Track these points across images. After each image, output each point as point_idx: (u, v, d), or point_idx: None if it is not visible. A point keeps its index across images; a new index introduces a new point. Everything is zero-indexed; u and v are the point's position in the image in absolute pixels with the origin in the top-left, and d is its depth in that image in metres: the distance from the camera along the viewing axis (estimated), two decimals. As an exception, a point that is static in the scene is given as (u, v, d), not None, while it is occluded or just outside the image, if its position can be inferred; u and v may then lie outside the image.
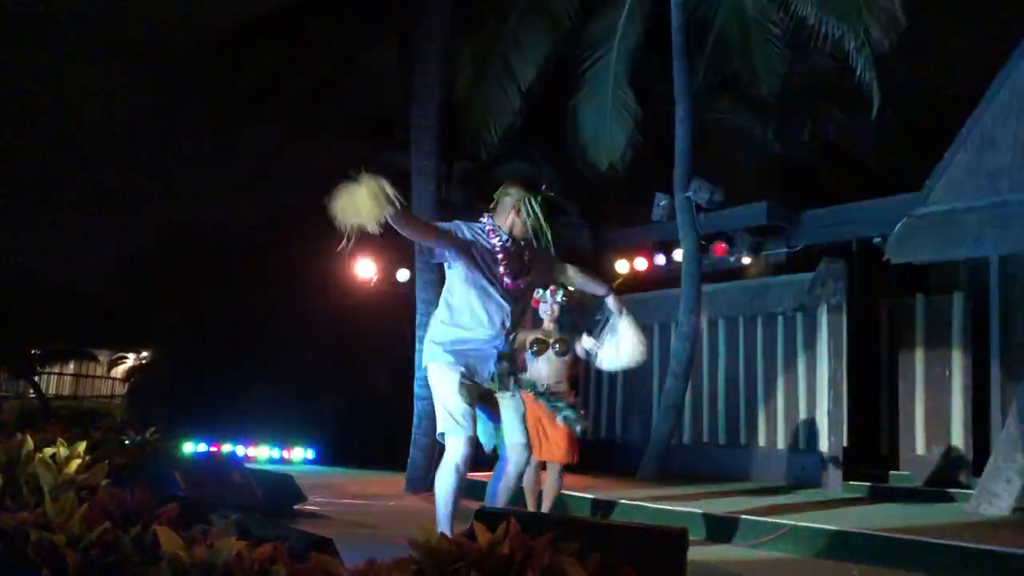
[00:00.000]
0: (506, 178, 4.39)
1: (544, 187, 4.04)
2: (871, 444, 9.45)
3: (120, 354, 21.09)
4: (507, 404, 4.06)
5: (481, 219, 4.05)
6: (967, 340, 8.79)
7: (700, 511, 5.99)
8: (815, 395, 8.93)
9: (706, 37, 10.25)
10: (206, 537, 2.26)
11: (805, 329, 9.24)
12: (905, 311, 9.43)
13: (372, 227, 3.53)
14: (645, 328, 10.80)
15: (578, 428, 5.34)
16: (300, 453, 11.60)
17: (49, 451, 3.35)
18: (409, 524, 2.27)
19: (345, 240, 3.51)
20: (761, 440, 9.57)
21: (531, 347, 5.15)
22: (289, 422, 12.09)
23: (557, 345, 5.45)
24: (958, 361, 8.77)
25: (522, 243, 4.01)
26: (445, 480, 3.77)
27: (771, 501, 6.91)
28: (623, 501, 6.43)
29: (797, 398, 9.24)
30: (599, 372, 11.19)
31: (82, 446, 3.47)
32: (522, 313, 4.13)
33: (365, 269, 11.49)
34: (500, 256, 3.92)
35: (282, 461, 11.22)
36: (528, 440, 4.07)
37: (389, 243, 11.46)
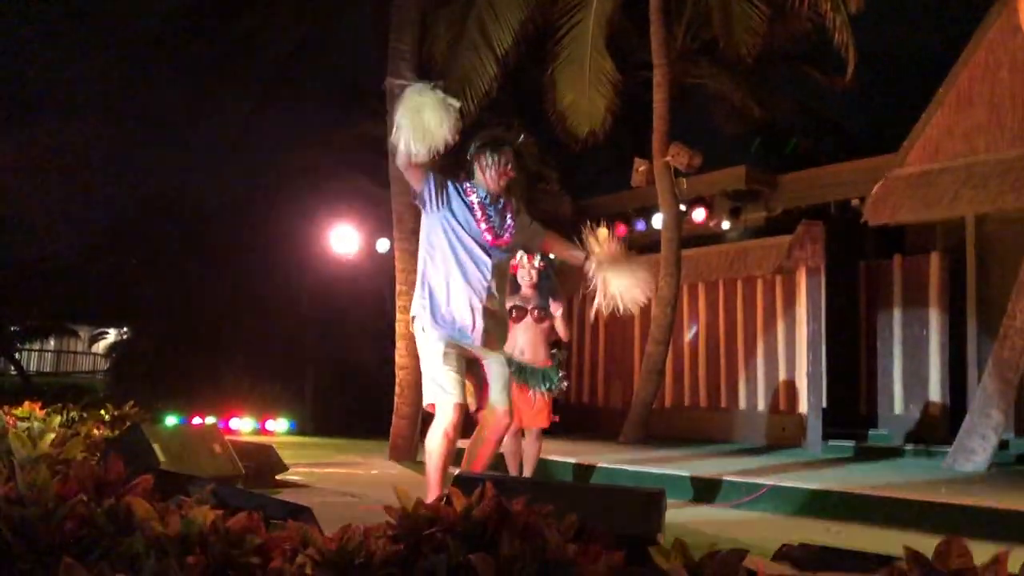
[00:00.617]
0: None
1: (514, 135, 4.05)
2: (850, 404, 9.56)
3: (101, 330, 20.97)
4: (491, 368, 4.07)
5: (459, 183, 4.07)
6: (944, 299, 8.88)
7: (681, 473, 6.04)
8: (794, 357, 9.01)
9: (684, 1, 10.18)
10: (182, 508, 2.25)
11: (784, 292, 9.30)
12: (883, 272, 9.50)
13: (443, 144, 3.63)
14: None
15: (553, 390, 5.37)
16: (282, 424, 11.59)
17: (24, 425, 3.32)
18: (390, 492, 2.27)
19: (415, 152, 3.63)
20: (742, 402, 9.66)
21: (510, 314, 5.14)
22: (271, 394, 12.08)
23: (536, 312, 5.45)
24: (935, 320, 8.86)
25: (501, 202, 4.01)
26: (434, 445, 3.81)
27: (751, 462, 6.97)
28: (604, 465, 6.47)
29: (777, 360, 9.31)
30: (580, 338, 11.24)
31: (57, 420, 3.45)
32: (503, 275, 4.13)
33: (345, 240, 11.42)
34: (478, 212, 3.93)
35: (264, 432, 11.21)
36: (510, 406, 4.08)
37: (369, 214, 11.43)
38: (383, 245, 11.52)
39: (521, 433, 5.50)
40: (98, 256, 15.71)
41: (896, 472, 6.51)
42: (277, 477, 5.97)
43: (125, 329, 18.65)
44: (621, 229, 12.08)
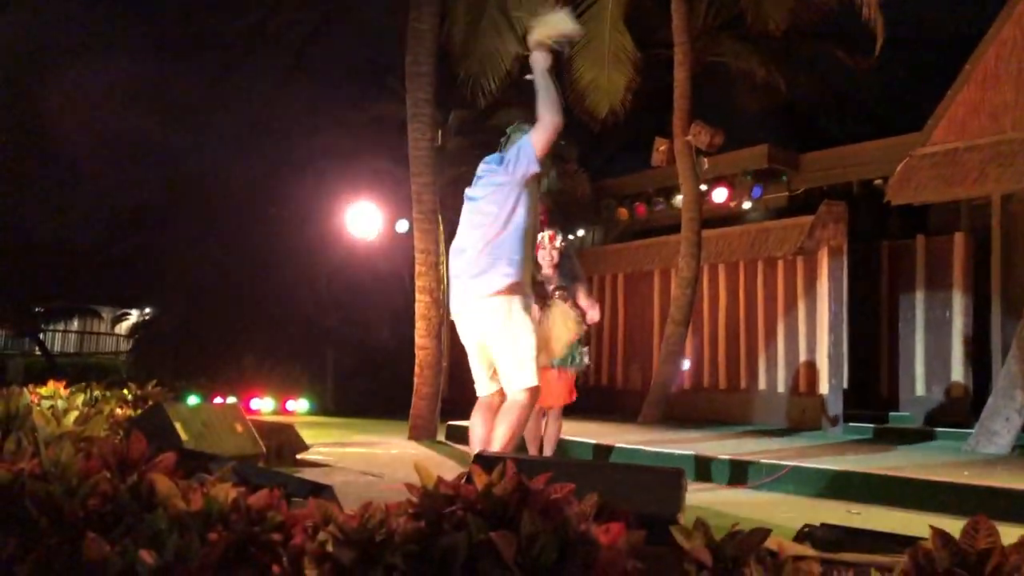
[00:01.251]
0: (504, 125, 4.38)
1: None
2: (871, 386, 9.50)
3: (123, 311, 21.14)
4: None
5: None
6: (968, 280, 8.78)
7: (700, 454, 6.02)
8: (815, 338, 8.95)
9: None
10: (204, 486, 2.26)
11: (805, 272, 9.22)
12: (906, 252, 9.40)
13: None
14: (645, 274, 10.72)
15: (576, 366, 5.39)
16: (302, 404, 11.66)
17: (48, 404, 3.35)
18: (411, 470, 2.26)
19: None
20: (762, 384, 9.61)
21: (530, 293, 5.12)
22: (291, 374, 12.15)
23: (557, 292, 5.43)
24: (958, 301, 8.77)
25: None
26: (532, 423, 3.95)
27: (771, 444, 6.95)
28: (623, 445, 6.46)
29: (797, 341, 9.25)
30: (600, 320, 11.22)
31: (80, 398, 3.48)
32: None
33: (364, 221, 11.42)
34: None
35: (284, 412, 11.28)
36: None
37: (388, 194, 11.43)
38: (402, 226, 11.52)
39: (542, 413, 5.49)
40: (121, 238, 15.85)
41: (918, 454, 6.46)
42: (298, 456, 6.00)
43: (147, 310, 18.82)
44: (641, 209, 12.05)
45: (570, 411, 5.62)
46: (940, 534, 1.70)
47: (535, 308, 5.21)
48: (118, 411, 4.66)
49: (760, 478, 5.47)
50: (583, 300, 5.52)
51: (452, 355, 8.46)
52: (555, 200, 3.78)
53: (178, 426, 4.75)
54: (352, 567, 1.86)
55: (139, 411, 5.32)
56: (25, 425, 3.11)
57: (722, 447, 6.47)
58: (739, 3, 9.96)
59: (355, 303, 13.00)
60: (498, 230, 3.80)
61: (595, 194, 12.70)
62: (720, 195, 10.52)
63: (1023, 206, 8.37)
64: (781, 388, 9.39)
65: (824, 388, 8.56)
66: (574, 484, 2.19)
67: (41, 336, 19.16)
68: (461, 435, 6.95)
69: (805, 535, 2.62)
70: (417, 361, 8.35)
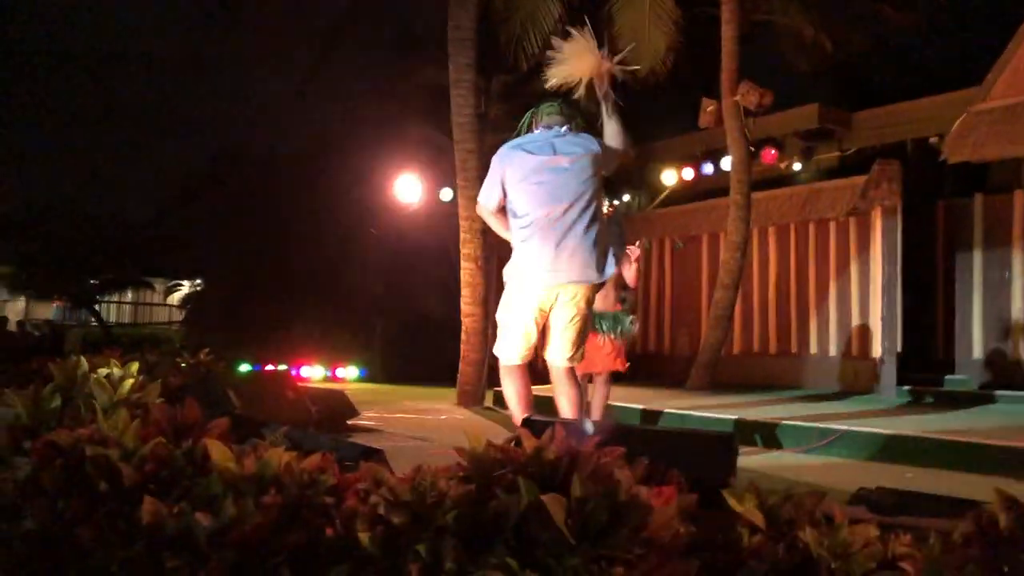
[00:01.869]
0: (546, 91, 4.43)
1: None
2: (926, 348, 9.31)
3: (175, 282, 21.55)
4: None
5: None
6: (1028, 240, 8.53)
7: (751, 418, 5.96)
8: (868, 300, 8.78)
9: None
10: (257, 450, 2.29)
11: (858, 233, 9.03)
12: (963, 211, 9.15)
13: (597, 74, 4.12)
14: (693, 238, 10.63)
15: (625, 334, 5.35)
16: (352, 372, 11.80)
17: (104, 371, 3.41)
18: (459, 435, 2.27)
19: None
20: (813, 347, 9.48)
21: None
22: (340, 342, 12.29)
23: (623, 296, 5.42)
24: (1018, 261, 8.53)
25: None
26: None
27: (823, 407, 6.86)
28: (672, 411, 6.43)
29: (849, 304, 9.09)
30: (646, 285, 11.13)
31: (135, 367, 3.54)
32: None
33: (409, 189, 11.43)
34: None
35: (334, 379, 11.43)
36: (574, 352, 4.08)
37: (432, 162, 11.42)
38: (447, 194, 11.51)
39: (588, 379, 5.48)
40: (172, 210, 16.11)
41: (975, 417, 6.32)
42: (348, 422, 6.08)
43: (199, 281, 19.14)
44: (689, 172, 11.87)
45: (618, 377, 5.60)
46: (1005, 497, 1.65)
47: None
48: (172, 379, 4.75)
49: (812, 442, 5.40)
50: (627, 269, 5.48)
51: (498, 322, 8.46)
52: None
53: (230, 393, 4.84)
54: (404, 529, 1.87)
55: (192, 379, 5.43)
56: (83, 393, 3.18)
57: (772, 411, 6.40)
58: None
59: (402, 271, 13.07)
60: (601, 220, 4.05)
61: (641, 157, 12.54)
62: (769, 156, 10.32)
63: (1087, 162, 8.09)
64: (833, 352, 9.25)
65: (877, 351, 8.41)
66: (624, 448, 2.17)
67: (97, 307, 19.62)
68: (509, 401, 6.96)
69: (860, 498, 2.57)
70: (464, 328, 8.38)
